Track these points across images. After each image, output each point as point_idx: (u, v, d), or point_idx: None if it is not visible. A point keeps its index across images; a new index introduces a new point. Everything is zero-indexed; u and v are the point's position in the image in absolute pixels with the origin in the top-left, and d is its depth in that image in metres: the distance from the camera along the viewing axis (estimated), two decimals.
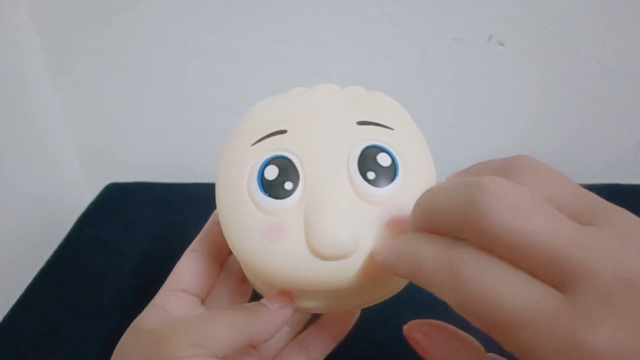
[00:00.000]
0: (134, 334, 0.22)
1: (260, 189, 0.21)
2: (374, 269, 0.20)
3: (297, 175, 0.21)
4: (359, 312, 0.25)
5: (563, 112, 0.54)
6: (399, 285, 0.23)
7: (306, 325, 0.26)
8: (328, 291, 0.21)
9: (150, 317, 0.22)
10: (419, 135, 0.24)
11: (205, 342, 0.19)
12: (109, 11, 0.50)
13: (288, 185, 0.21)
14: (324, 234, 0.19)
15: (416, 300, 0.37)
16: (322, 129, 0.22)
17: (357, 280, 0.20)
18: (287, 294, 0.22)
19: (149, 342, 0.20)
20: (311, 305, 0.22)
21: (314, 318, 0.26)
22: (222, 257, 0.25)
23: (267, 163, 0.21)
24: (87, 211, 0.51)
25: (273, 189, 0.21)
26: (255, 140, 0.22)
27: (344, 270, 0.20)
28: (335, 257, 0.19)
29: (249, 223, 0.21)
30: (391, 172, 0.21)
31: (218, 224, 0.24)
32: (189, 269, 0.24)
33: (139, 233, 0.48)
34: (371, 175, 0.21)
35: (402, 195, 0.21)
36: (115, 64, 0.54)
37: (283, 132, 0.22)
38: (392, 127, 0.23)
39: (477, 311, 0.14)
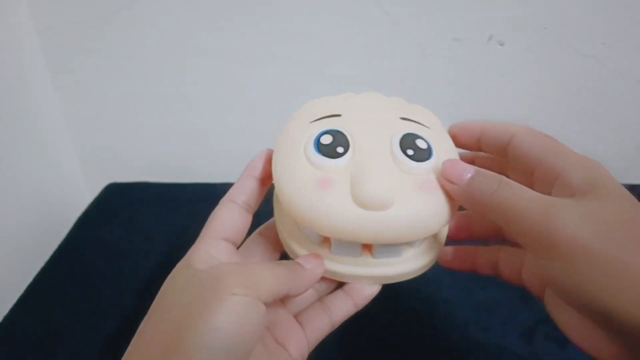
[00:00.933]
0: (186, 272, 0.23)
1: (316, 150, 0.24)
2: (406, 227, 0.23)
3: (348, 144, 0.25)
4: (379, 288, 0.27)
5: (563, 112, 0.54)
6: (418, 266, 0.27)
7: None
8: (356, 259, 0.25)
9: (200, 259, 0.24)
10: (449, 137, 0.28)
11: (254, 286, 0.21)
12: (109, 11, 0.50)
13: (339, 150, 0.24)
14: (366, 186, 0.23)
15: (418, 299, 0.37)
16: (371, 117, 0.26)
17: (389, 234, 0.23)
18: (318, 257, 0.25)
19: (203, 279, 0.22)
20: (338, 269, 0.26)
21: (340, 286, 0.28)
22: (254, 210, 0.27)
23: (324, 133, 0.25)
24: (87, 211, 0.51)
25: (326, 150, 0.24)
26: (314, 119, 0.26)
27: (380, 222, 0.23)
28: (374, 207, 0.22)
29: (303, 175, 0.24)
30: (427, 153, 0.25)
31: (253, 177, 0.27)
32: (229, 218, 0.26)
33: (139, 233, 0.48)
34: (410, 152, 0.24)
35: (434, 171, 0.25)
36: (115, 64, 0.54)
37: (338, 115, 0.26)
38: (428, 126, 0.27)
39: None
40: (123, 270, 0.43)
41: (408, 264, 0.26)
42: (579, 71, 0.51)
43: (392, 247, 0.25)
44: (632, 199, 0.21)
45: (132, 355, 0.22)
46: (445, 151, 0.26)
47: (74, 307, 0.40)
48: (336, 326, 0.27)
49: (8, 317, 0.39)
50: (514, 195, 0.22)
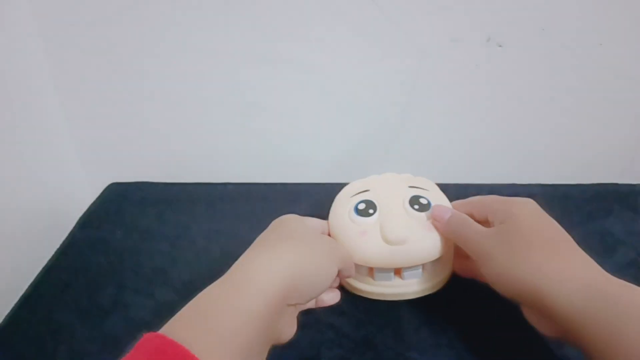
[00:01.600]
0: (303, 224, 0.36)
1: (355, 213, 0.38)
2: (418, 255, 0.37)
3: (376, 207, 0.38)
4: (337, 299, 0.38)
5: (561, 112, 0.55)
6: (432, 285, 0.39)
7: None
8: (377, 283, 0.38)
9: (312, 225, 0.38)
10: (442, 194, 0.41)
11: (342, 261, 0.35)
12: (110, 11, 0.50)
13: (370, 211, 0.38)
14: (392, 230, 0.36)
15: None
16: (389, 189, 0.40)
17: (407, 259, 0.36)
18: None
19: (320, 240, 0.35)
20: (381, 291, 0.38)
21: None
22: None
23: (360, 202, 0.39)
24: (88, 211, 0.52)
25: (362, 213, 0.38)
26: (353, 194, 0.41)
27: (401, 252, 0.36)
28: (397, 243, 0.36)
29: (349, 230, 0.38)
30: (427, 206, 0.38)
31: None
32: (321, 227, 0.39)
33: (140, 232, 0.48)
34: (416, 206, 0.38)
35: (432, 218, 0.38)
36: (116, 64, 0.54)
37: (368, 190, 0.40)
38: (427, 188, 0.41)
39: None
40: (125, 269, 0.44)
41: (426, 283, 0.38)
42: (577, 72, 0.51)
43: (414, 270, 0.37)
44: (534, 223, 0.33)
45: (261, 253, 0.31)
46: (439, 202, 0.39)
47: (76, 306, 0.40)
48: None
49: (11, 316, 0.39)
50: (469, 229, 0.35)
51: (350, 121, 0.57)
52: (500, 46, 0.50)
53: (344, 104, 0.56)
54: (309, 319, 0.38)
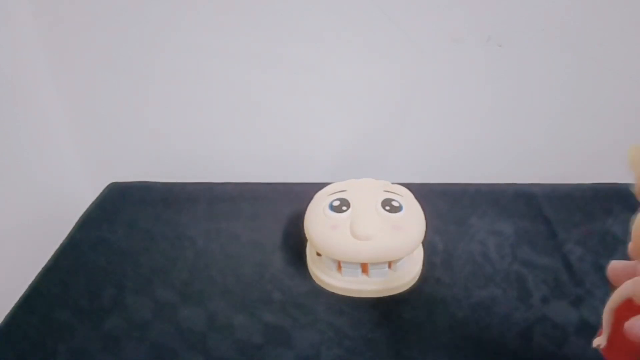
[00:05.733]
0: None
1: (330, 209, 0.40)
2: (381, 251, 0.38)
3: (349, 205, 0.40)
4: None
5: (561, 112, 0.55)
6: (398, 285, 0.40)
7: None
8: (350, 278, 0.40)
9: None
10: (415, 200, 0.43)
11: None
12: (110, 11, 0.50)
13: (344, 208, 0.40)
14: (360, 226, 0.38)
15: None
16: (365, 191, 0.42)
17: (372, 255, 0.38)
18: None
19: None
20: (347, 286, 0.40)
21: None
22: None
23: (334, 200, 0.41)
24: (88, 211, 0.52)
25: (336, 209, 0.40)
26: (330, 193, 0.43)
27: (367, 248, 0.37)
28: (362, 239, 0.37)
29: (322, 224, 0.40)
30: (398, 208, 0.40)
31: None
32: None
33: (140, 232, 0.48)
34: (387, 208, 0.40)
35: (402, 219, 0.39)
36: (116, 64, 0.54)
37: (344, 190, 0.42)
38: (401, 194, 0.42)
39: None
40: (124, 269, 0.44)
41: (393, 283, 0.40)
42: (577, 72, 0.51)
43: (380, 269, 0.39)
44: None
45: None
46: (411, 208, 0.41)
47: (75, 305, 0.40)
48: None
49: (11, 316, 0.39)
50: None
51: (351, 121, 0.57)
52: (500, 46, 0.50)
53: (344, 104, 0.56)
54: (309, 319, 0.38)
